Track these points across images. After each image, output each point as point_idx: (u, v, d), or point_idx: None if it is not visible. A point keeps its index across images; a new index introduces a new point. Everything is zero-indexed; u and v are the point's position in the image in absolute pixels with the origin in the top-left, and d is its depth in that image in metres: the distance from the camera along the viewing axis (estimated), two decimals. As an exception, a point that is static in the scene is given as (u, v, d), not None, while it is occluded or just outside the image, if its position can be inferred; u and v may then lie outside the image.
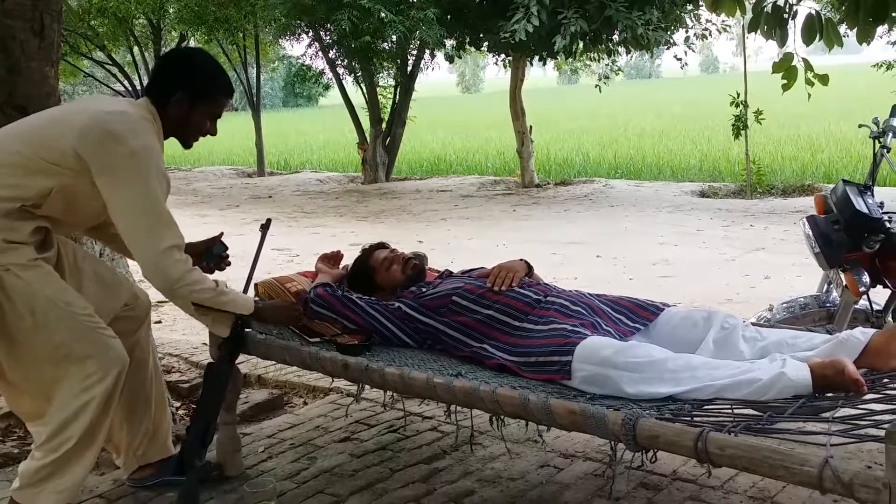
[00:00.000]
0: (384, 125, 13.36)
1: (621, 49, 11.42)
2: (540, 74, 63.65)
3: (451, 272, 3.20)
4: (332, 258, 3.29)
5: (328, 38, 12.20)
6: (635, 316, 2.76)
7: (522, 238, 8.14)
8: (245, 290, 2.97)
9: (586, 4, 9.08)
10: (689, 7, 10.62)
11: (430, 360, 2.75)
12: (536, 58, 11.44)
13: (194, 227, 9.24)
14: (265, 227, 3.08)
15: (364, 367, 2.62)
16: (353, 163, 16.57)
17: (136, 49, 17.77)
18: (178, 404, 3.84)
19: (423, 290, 2.99)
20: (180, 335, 5.01)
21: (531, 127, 12.02)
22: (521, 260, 3.03)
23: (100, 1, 11.62)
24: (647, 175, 13.58)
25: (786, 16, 3.23)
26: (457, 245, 7.83)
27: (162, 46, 17.50)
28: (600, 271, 6.63)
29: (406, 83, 13.20)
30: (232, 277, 6.26)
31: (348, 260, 3.34)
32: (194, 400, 4.06)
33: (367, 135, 13.37)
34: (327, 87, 13.76)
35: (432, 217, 9.72)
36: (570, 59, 12.16)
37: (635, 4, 9.05)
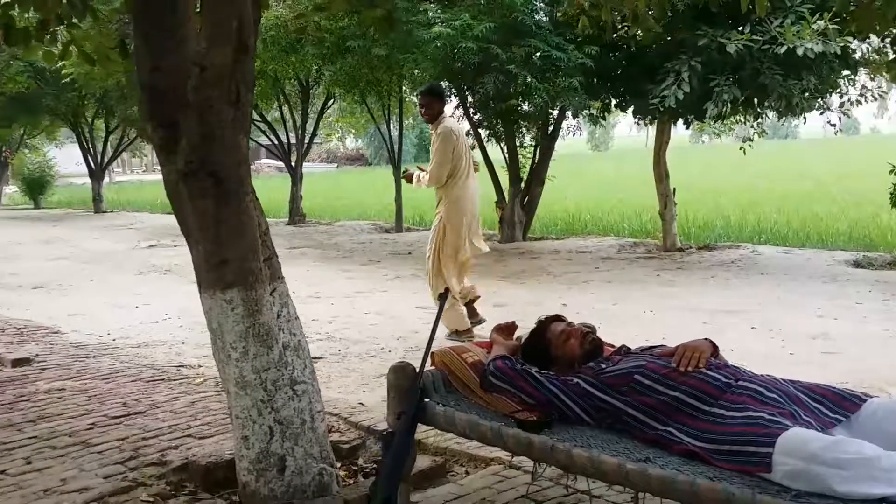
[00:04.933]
0: (522, 185, 13.42)
1: (769, 112, 11.12)
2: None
3: (629, 348, 3.13)
4: (507, 329, 3.28)
5: (473, 100, 12.44)
6: (836, 406, 2.61)
7: (670, 305, 7.92)
8: (424, 359, 2.98)
9: (739, 71, 8.90)
10: (847, 73, 10.23)
11: (613, 440, 2.67)
12: (681, 120, 11.26)
13: (339, 282, 9.54)
14: (443, 297, 3.11)
15: (550, 446, 2.57)
16: (486, 220, 16.67)
17: (285, 108, 18.71)
18: (339, 464, 3.86)
19: (603, 366, 2.93)
20: (336, 393, 5.08)
21: (674, 189, 11.80)
22: (706, 339, 2.93)
23: (261, 64, 12.27)
24: (793, 241, 13.03)
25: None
26: (602, 310, 7.69)
27: (309, 105, 18.34)
28: (757, 344, 6.36)
29: (546, 144, 13.25)
30: (413, 346, 6.31)
31: (522, 330, 3.32)
32: (354, 461, 4.10)
33: (505, 194, 13.45)
34: (472, 148, 13.98)
35: (574, 279, 9.61)
36: (718, 123, 11.92)
37: (791, 71, 8.79)
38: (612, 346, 3.23)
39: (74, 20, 3.89)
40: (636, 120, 11.98)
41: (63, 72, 12.64)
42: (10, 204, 30.63)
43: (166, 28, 3.27)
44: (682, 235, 12.58)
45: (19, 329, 7.15)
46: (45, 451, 4.05)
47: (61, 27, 3.92)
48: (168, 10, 3.26)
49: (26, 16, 4.14)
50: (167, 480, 3.73)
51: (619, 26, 8.25)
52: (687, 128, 11.97)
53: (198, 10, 3.34)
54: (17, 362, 5.88)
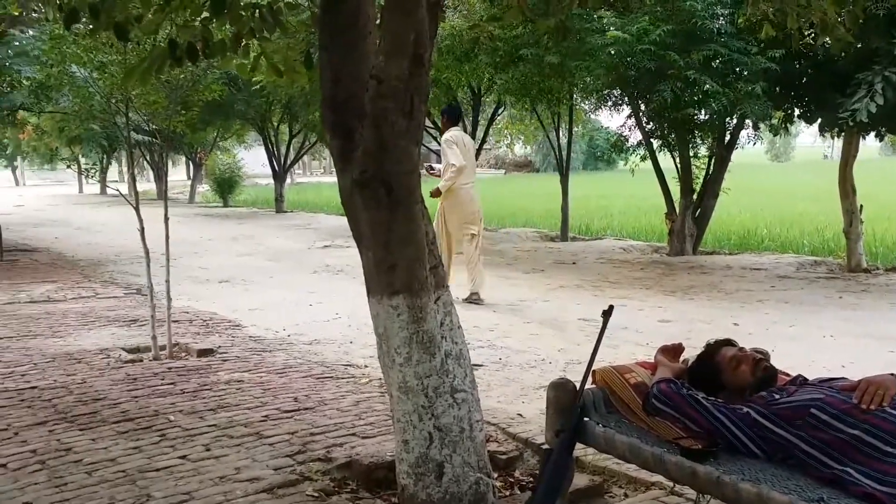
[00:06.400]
0: (695, 196, 12.99)
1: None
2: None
3: (806, 379, 2.96)
4: (673, 351, 3.18)
5: (646, 109, 12.16)
6: None
7: (852, 331, 7.42)
8: (585, 377, 2.95)
9: (939, 81, 8.22)
10: None
11: (783, 476, 2.54)
12: (872, 133, 10.53)
13: (502, 289, 9.58)
14: (607, 314, 3.05)
15: (715, 478, 2.47)
16: (655, 231, 16.26)
17: (456, 114, 19.03)
18: (495, 475, 3.87)
19: (776, 396, 2.78)
20: (495, 402, 5.09)
21: (861, 206, 11.04)
22: (893, 375, 2.73)
23: (435, 73, 12.54)
24: None
25: None
26: (776, 332, 7.31)
27: (479, 112, 18.56)
28: (952, 379, 5.83)
29: (722, 154, 12.76)
30: (574, 359, 6.26)
31: (689, 353, 3.21)
32: (510, 473, 4.11)
33: (675, 205, 13.07)
34: (644, 159, 13.69)
35: (747, 298, 9.19)
36: (915, 135, 11.08)
37: None
38: (788, 375, 3.06)
39: (265, 33, 4.12)
40: (821, 133, 11.31)
41: (253, 79, 13.43)
42: (203, 201, 32.84)
43: (348, 42, 3.40)
44: (868, 255, 11.76)
45: (205, 321, 7.65)
46: (223, 439, 4.31)
47: (253, 40, 4.15)
48: (350, 25, 3.39)
49: (223, 29, 4.41)
50: (331, 477, 3.88)
51: (806, 33, 7.82)
52: (881, 140, 11.15)
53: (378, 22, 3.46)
54: (203, 353, 6.31)
